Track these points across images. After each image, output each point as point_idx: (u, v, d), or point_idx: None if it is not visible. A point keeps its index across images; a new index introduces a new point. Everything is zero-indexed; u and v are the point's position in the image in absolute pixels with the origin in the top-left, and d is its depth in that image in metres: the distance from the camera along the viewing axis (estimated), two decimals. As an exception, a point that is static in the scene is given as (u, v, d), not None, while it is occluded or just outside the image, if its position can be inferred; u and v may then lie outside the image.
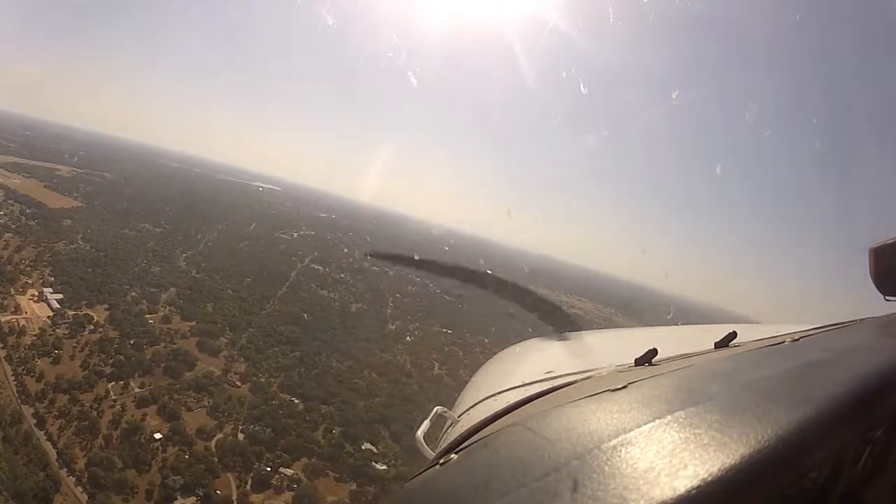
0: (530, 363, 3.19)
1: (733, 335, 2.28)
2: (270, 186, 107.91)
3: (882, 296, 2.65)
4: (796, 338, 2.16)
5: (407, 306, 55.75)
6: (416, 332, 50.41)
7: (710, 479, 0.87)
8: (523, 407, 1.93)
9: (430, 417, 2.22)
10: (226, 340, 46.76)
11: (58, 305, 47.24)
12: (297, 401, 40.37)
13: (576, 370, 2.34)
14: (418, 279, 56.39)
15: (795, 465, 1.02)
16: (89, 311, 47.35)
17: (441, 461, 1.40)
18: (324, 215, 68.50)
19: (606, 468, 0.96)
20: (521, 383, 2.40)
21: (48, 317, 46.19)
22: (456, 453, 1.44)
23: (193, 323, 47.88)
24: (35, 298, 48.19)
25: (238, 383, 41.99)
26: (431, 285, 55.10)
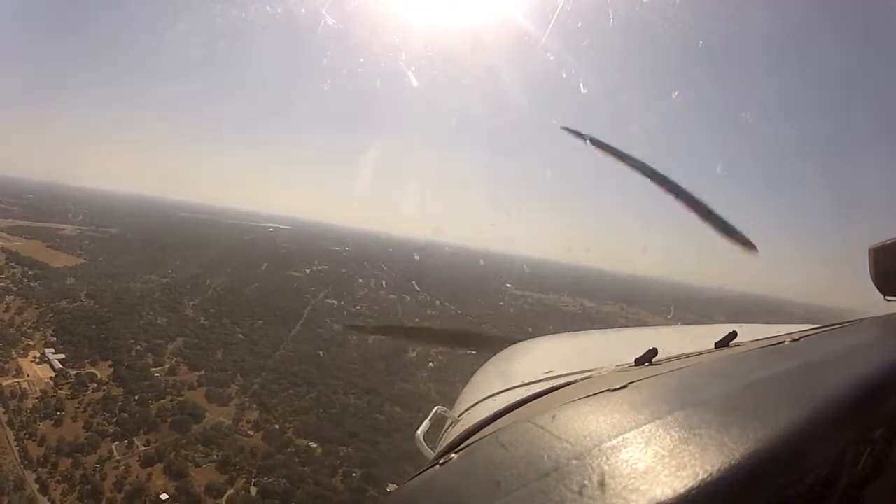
0: (530, 363, 3.14)
1: (733, 335, 2.27)
2: (280, 226, 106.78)
3: (882, 296, 2.65)
4: (796, 338, 2.16)
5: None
6: (439, 357, 46.49)
7: (710, 479, 0.87)
8: (523, 407, 1.93)
9: (430, 417, 2.22)
10: (236, 388, 43.38)
11: (60, 366, 44.90)
12: (314, 445, 36.57)
13: (576, 370, 2.32)
14: (437, 303, 53.22)
15: (795, 465, 1.03)
16: (92, 370, 44.85)
17: (441, 461, 1.39)
18: (337, 248, 66.23)
19: (606, 468, 0.96)
20: (520, 383, 2.39)
21: (50, 378, 43.85)
22: (456, 453, 1.44)
23: (202, 372, 44.67)
24: (37, 360, 46.01)
25: (250, 432, 38.32)
26: (452, 307, 52.10)
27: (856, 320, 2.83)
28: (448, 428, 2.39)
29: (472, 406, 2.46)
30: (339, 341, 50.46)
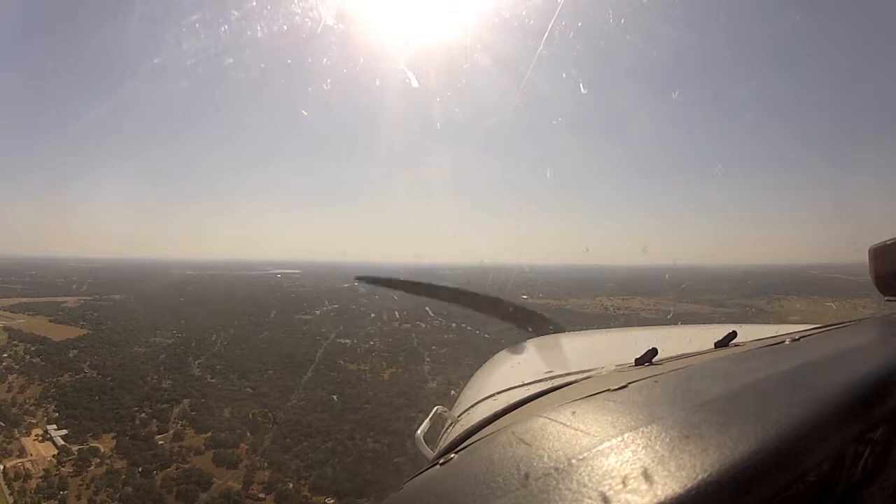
0: (530, 363, 3.21)
1: (733, 335, 2.28)
2: (288, 271, 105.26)
3: (882, 296, 2.69)
4: (796, 338, 2.16)
5: (445, 357, 48.03)
6: (460, 384, 42.28)
7: (709, 479, 0.86)
8: (523, 406, 1.93)
9: (429, 417, 2.22)
10: (246, 447, 39.77)
11: (62, 442, 42.02)
12: (330, 501, 32.58)
13: (576, 370, 2.33)
14: (454, 325, 49.86)
15: (795, 465, 1.02)
16: (95, 443, 41.72)
17: (441, 461, 1.38)
18: (346, 285, 63.25)
19: (606, 468, 0.96)
20: (520, 383, 2.38)
21: (53, 456, 40.97)
22: (456, 453, 1.43)
23: (208, 435, 41.27)
24: (40, 438, 43.20)
25: (261, 495, 34.58)
26: (468, 327, 48.27)
27: (856, 320, 2.83)
28: (448, 428, 2.36)
29: (472, 406, 2.43)
30: (353, 382, 46.87)
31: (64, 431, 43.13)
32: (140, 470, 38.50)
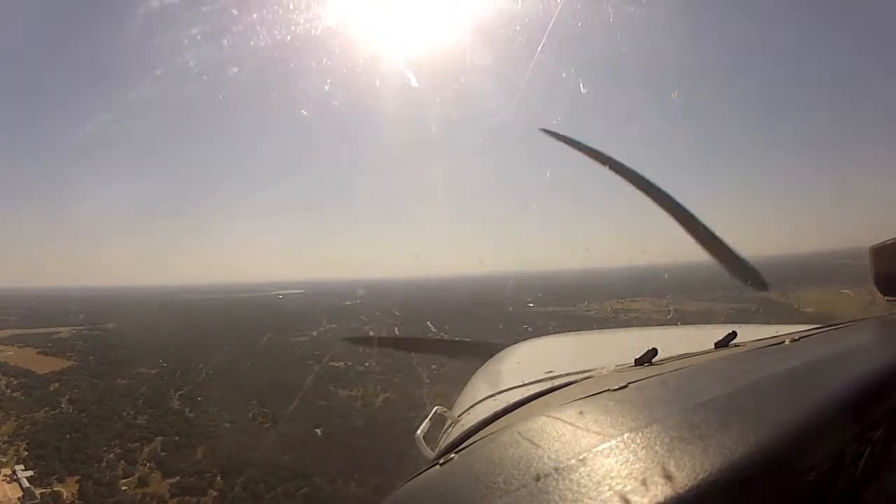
0: (530, 363, 3.20)
1: (733, 335, 2.24)
2: (291, 291, 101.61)
3: (882, 296, 2.69)
4: (796, 338, 2.14)
5: (446, 378, 41.49)
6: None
7: (709, 479, 0.86)
8: (523, 407, 1.92)
9: (429, 417, 2.20)
10: (215, 494, 34.58)
11: (27, 484, 37.94)
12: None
13: (576, 370, 2.30)
14: (456, 339, 43.85)
15: (796, 464, 1.03)
16: (59, 487, 37.57)
17: (441, 461, 1.38)
18: (348, 303, 58.34)
19: (607, 468, 0.96)
20: (520, 383, 2.34)
21: (18, 499, 37.03)
22: (456, 453, 1.44)
23: (176, 479, 36.37)
24: (8, 479, 39.35)
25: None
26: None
27: (856, 320, 2.80)
28: (448, 428, 2.34)
29: (471, 406, 2.42)
30: (342, 410, 41.35)
31: (30, 473, 38.92)
32: (101, 520, 34.03)
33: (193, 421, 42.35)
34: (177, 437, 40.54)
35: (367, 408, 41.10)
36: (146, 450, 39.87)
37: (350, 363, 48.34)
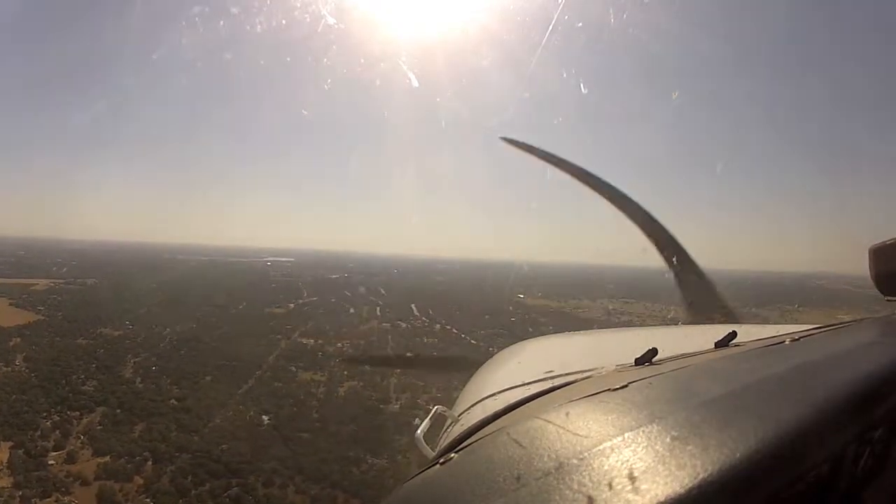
0: (530, 363, 3.06)
1: (733, 335, 2.25)
2: (280, 259, 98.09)
3: (882, 296, 2.66)
4: (796, 338, 2.14)
5: (415, 371, 37.18)
6: (428, 408, 31.35)
7: (709, 478, 0.87)
8: (523, 406, 1.91)
9: (429, 417, 2.18)
10: (140, 481, 30.71)
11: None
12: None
13: (576, 370, 2.28)
14: (437, 327, 40.68)
15: (795, 465, 1.04)
16: (-7, 453, 34.39)
17: (441, 460, 1.38)
18: (335, 276, 54.44)
19: (607, 467, 0.97)
20: (521, 383, 2.35)
21: None
22: (456, 452, 1.42)
23: (105, 459, 32.68)
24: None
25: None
26: (454, 329, 39.20)
27: (856, 320, 2.86)
28: (448, 427, 2.35)
29: (472, 406, 2.41)
30: (299, 396, 36.85)
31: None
32: (20, 494, 30.71)
33: (141, 393, 38.63)
34: (118, 410, 36.89)
35: (327, 396, 36.53)
36: (84, 420, 36.42)
37: (321, 341, 43.92)
